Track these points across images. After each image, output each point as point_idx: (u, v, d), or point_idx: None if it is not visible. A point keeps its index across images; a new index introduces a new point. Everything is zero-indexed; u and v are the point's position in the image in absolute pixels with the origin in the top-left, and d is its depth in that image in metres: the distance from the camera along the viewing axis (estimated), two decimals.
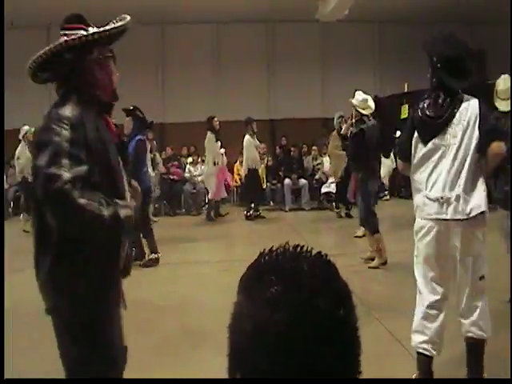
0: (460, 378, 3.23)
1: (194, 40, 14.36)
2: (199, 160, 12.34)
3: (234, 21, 14.14)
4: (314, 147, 12.89)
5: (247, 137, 10.36)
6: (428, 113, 3.12)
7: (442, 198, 3.07)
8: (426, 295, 3.19)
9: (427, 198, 3.13)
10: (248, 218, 10.55)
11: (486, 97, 3.99)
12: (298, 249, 0.88)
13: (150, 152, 8.93)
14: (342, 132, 8.74)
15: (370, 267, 6.45)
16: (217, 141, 10.02)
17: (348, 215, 10.34)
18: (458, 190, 3.05)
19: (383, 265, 6.45)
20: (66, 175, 1.86)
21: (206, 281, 6.27)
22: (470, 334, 3.16)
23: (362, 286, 5.66)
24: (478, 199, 3.06)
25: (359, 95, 6.86)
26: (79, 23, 2.15)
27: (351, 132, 7.00)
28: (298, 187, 12.08)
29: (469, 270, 3.10)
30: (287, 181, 11.96)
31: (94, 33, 2.10)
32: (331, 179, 11.34)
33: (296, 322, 0.80)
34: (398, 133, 12.52)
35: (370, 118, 6.79)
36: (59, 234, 1.99)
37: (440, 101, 3.12)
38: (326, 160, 11.85)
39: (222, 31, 14.59)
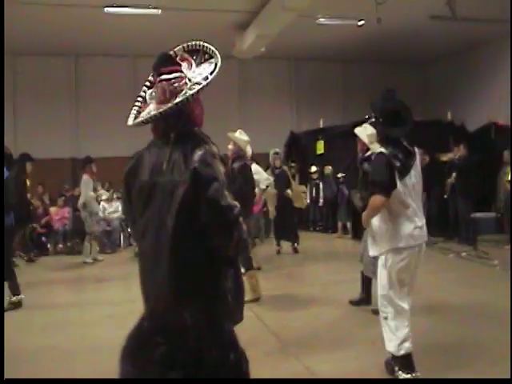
0: None
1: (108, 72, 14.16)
2: (114, 196, 11.96)
3: (149, 55, 14.02)
4: None
5: None
6: (400, 157, 3.75)
7: (421, 225, 3.84)
8: (405, 309, 3.85)
9: (415, 227, 3.80)
10: None
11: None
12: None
13: None
14: None
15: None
16: None
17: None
18: (423, 217, 3.90)
19: (256, 301, 6.40)
20: (237, 204, 2.19)
21: (119, 322, 5.96)
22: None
23: (278, 322, 5.59)
24: None
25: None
26: (173, 65, 2.31)
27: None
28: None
29: (415, 278, 3.97)
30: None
31: (210, 81, 2.25)
32: None
33: (190, 375, 0.75)
34: (314, 168, 12.84)
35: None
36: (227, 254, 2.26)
37: (408, 148, 3.84)
38: None
39: (138, 64, 14.45)
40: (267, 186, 8.31)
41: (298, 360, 4.49)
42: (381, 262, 3.93)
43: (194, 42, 2.42)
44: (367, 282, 6.09)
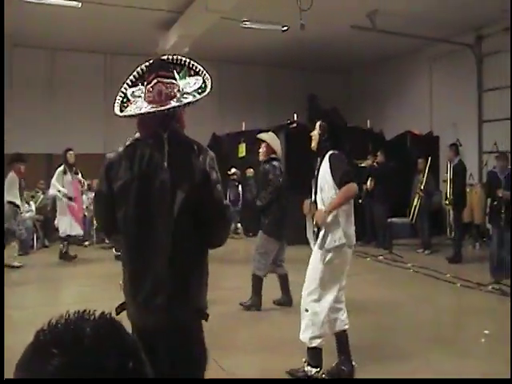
0: None
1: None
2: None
3: (67, 49, 13.65)
4: None
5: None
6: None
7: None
8: (332, 306, 4.10)
9: (353, 229, 4.17)
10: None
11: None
12: (81, 313, 0.84)
13: None
14: None
15: None
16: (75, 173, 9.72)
17: None
18: None
19: None
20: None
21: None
22: (346, 327, 4.20)
23: None
24: None
25: None
26: (169, 71, 2.50)
27: None
28: None
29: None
30: None
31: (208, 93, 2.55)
32: None
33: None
34: (233, 169, 12.86)
35: None
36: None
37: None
38: None
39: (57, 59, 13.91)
40: None
41: (217, 364, 4.44)
42: (322, 257, 4.05)
43: (180, 57, 2.59)
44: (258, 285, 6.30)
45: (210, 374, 3.95)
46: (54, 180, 9.78)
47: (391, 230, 10.37)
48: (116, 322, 0.87)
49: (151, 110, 2.38)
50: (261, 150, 6.41)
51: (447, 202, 9.71)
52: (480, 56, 12.20)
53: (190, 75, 2.58)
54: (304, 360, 4.12)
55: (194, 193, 2.35)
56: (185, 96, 2.47)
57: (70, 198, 9.63)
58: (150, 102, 2.42)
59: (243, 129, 13.46)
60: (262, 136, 6.53)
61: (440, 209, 10.33)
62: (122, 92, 2.54)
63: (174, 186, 2.35)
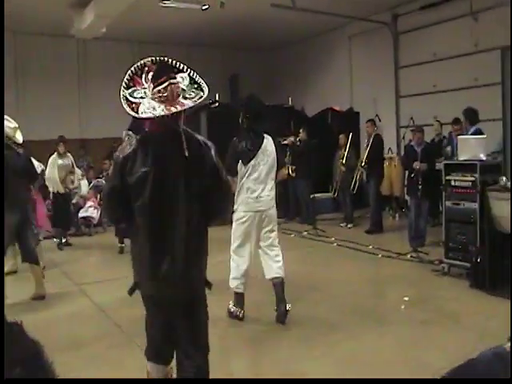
0: None
1: None
2: None
3: None
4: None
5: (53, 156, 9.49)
6: (249, 146, 5.01)
7: (260, 196, 5.04)
8: (241, 255, 5.19)
9: (250, 197, 5.01)
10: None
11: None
12: None
13: None
14: None
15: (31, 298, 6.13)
16: None
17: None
18: (267, 192, 5.07)
19: (42, 299, 6.14)
20: None
21: None
22: (277, 275, 5.18)
23: (120, 313, 5.41)
24: (274, 197, 5.21)
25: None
26: (174, 73, 2.83)
27: None
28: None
29: (272, 235, 5.28)
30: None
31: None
32: (89, 203, 10.86)
33: None
34: None
35: None
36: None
37: (254, 139, 5.07)
38: (84, 184, 11.24)
39: None
40: None
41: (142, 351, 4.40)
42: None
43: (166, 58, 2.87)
44: None
45: (135, 362, 3.90)
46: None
47: (314, 205, 10.56)
48: (10, 327, 0.87)
49: (179, 109, 2.70)
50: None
51: (362, 165, 10.09)
52: (396, 34, 12.54)
53: (176, 72, 2.84)
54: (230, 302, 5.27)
55: (206, 180, 2.77)
56: (187, 92, 2.79)
57: None
58: (162, 102, 2.69)
59: None
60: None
61: (362, 183, 10.60)
62: (123, 95, 2.77)
63: (189, 175, 2.73)
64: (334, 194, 11.01)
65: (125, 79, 2.80)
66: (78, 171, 10.42)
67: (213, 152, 2.85)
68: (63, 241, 9.63)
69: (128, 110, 2.72)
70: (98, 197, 10.99)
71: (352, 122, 12.85)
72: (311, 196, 10.42)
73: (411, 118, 11.19)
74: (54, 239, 9.66)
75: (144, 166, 2.69)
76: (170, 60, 2.87)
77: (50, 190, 9.55)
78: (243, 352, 4.63)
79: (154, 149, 2.72)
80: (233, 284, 5.19)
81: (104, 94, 14.07)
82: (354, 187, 10.39)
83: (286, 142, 10.88)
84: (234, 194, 3.14)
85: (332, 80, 14.47)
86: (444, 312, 5.32)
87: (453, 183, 6.58)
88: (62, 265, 8.11)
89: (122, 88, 2.78)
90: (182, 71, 2.85)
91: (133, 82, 2.80)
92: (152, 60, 2.85)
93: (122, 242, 8.53)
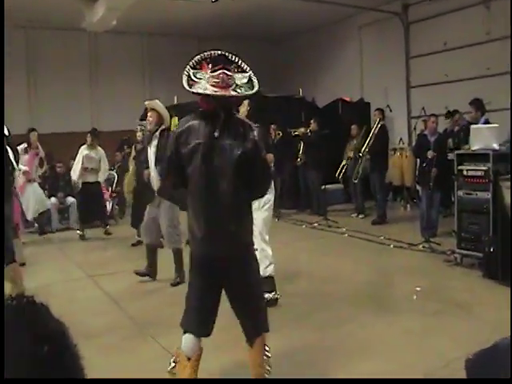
0: None
1: None
2: None
3: None
4: None
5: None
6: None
7: None
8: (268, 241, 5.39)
9: None
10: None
11: None
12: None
13: None
14: None
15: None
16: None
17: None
18: None
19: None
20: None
21: None
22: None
23: (133, 305, 5.47)
24: None
25: None
26: (231, 65, 3.16)
27: None
28: (65, 206, 10.77)
29: None
30: (53, 199, 10.58)
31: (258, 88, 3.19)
32: None
33: None
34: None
35: None
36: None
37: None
38: None
39: None
40: None
41: (156, 341, 4.44)
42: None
43: (232, 55, 3.18)
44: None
45: (148, 353, 3.94)
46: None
47: (325, 196, 10.54)
48: (36, 306, 0.86)
49: (221, 94, 3.03)
50: (150, 119, 6.22)
51: (360, 155, 10.11)
52: (407, 24, 12.45)
53: (239, 71, 3.16)
54: None
55: (247, 155, 3.05)
56: (239, 87, 3.11)
57: None
58: (213, 86, 3.04)
59: (175, 102, 13.26)
60: (152, 104, 6.27)
61: (366, 173, 10.55)
62: (187, 71, 3.10)
63: (232, 149, 3.04)
64: (342, 181, 11.10)
65: (193, 60, 3.14)
66: (106, 166, 10.11)
67: (255, 133, 3.16)
68: (107, 227, 9.95)
69: (185, 84, 3.08)
70: (110, 189, 11.04)
71: (363, 112, 12.79)
72: (322, 187, 10.39)
73: (423, 108, 11.08)
74: (77, 231, 9.73)
75: (198, 138, 3.06)
76: (233, 56, 3.20)
77: (74, 178, 9.69)
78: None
79: (204, 125, 3.09)
80: (271, 270, 5.31)
81: (115, 86, 14.14)
82: (356, 177, 10.35)
83: (296, 133, 10.87)
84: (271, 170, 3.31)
85: (342, 70, 14.40)
86: (456, 302, 5.31)
87: (465, 173, 6.55)
88: (75, 256, 8.18)
89: (188, 67, 3.11)
90: (244, 71, 3.18)
91: (200, 66, 3.13)
92: (221, 53, 3.20)
93: (139, 235, 8.23)
